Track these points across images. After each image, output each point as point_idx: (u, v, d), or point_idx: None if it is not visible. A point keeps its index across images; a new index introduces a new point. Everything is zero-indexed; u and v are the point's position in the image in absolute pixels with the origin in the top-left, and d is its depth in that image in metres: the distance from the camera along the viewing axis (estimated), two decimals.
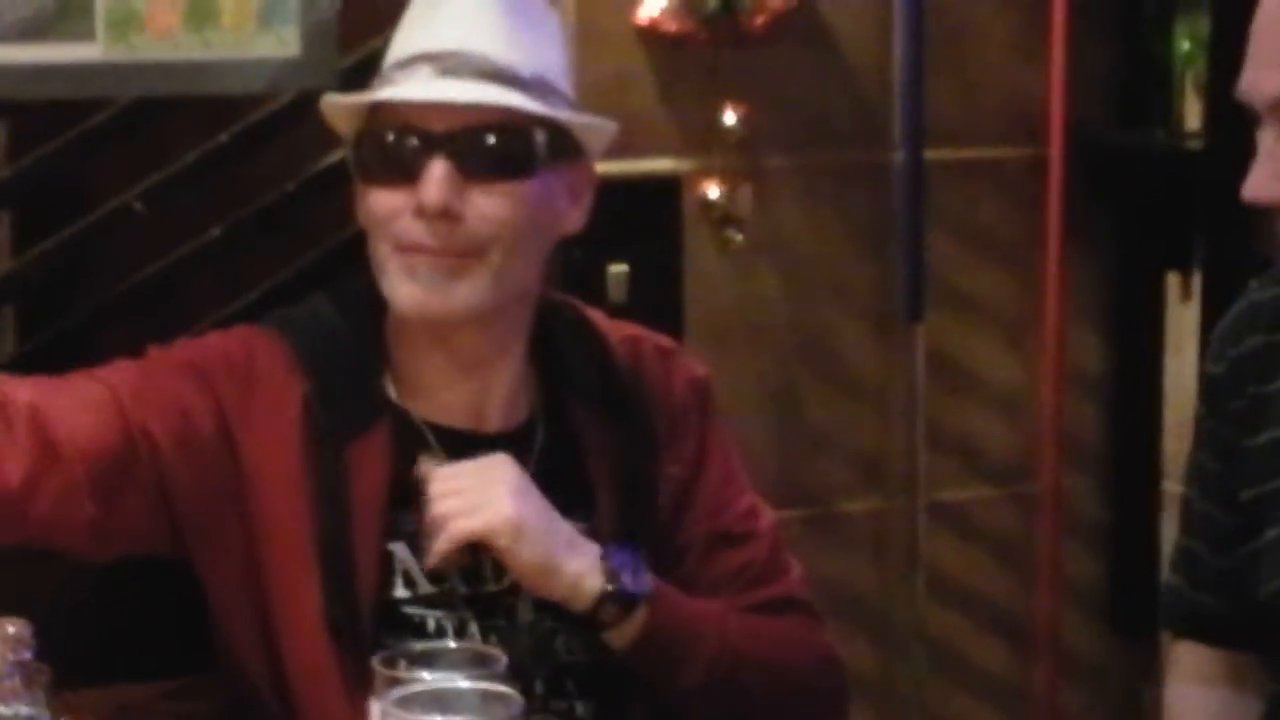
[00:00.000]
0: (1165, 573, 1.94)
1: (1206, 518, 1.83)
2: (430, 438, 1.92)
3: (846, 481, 3.40)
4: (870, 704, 3.41)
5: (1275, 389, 1.75)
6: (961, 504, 3.46)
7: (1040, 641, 3.49)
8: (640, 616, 1.85)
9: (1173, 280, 3.46)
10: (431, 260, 1.85)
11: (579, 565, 1.84)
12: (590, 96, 3.17)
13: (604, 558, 1.86)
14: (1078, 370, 3.51)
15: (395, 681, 1.48)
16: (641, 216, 3.21)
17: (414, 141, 1.85)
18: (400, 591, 1.89)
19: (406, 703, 1.44)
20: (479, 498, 1.83)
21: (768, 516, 2.09)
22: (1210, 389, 1.83)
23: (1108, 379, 3.53)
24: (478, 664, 1.52)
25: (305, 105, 2.44)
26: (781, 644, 1.99)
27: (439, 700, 1.44)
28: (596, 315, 2.09)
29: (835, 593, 3.38)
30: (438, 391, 1.95)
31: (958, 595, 3.47)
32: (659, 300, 3.21)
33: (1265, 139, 1.62)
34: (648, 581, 1.86)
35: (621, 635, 1.85)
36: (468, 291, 1.86)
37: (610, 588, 1.84)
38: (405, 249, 1.86)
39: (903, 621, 3.44)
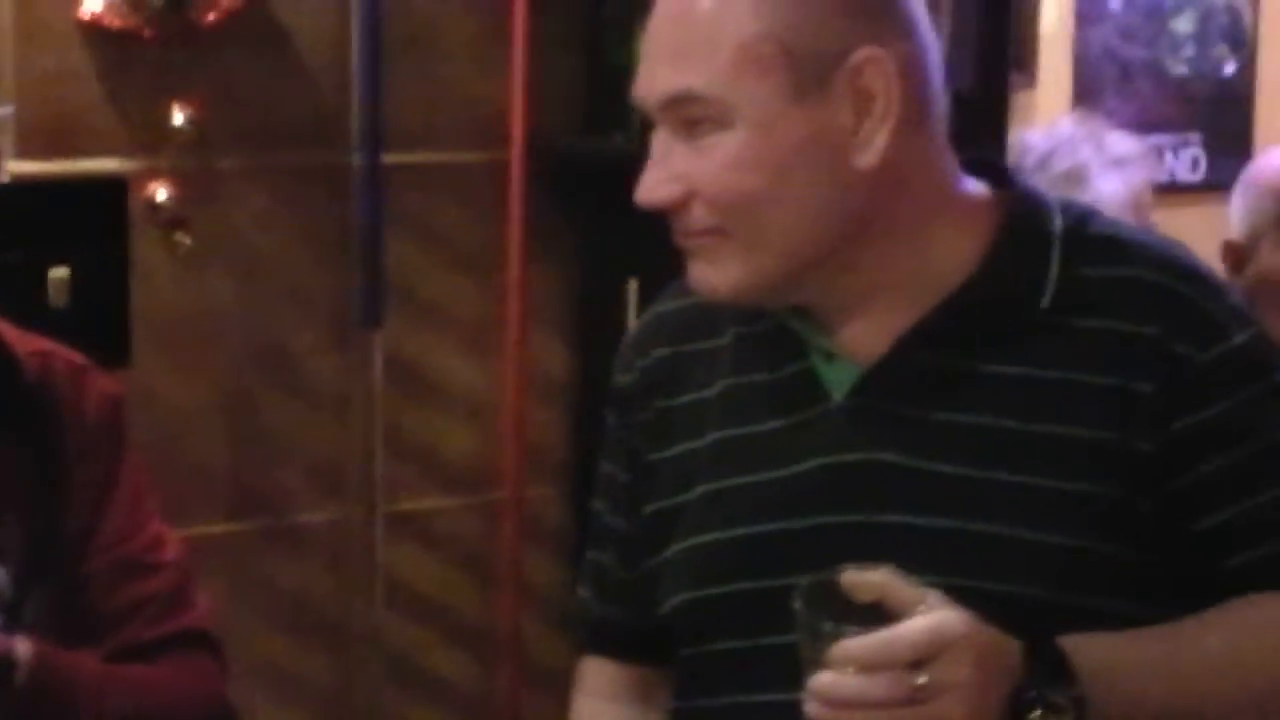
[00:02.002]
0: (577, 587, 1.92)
1: (615, 531, 1.82)
2: None
3: (303, 491, 3.32)
4: (329, 716, 3.35)
5: (683, 402, 1.75)
6: (422, 513, 3.43)
7: (502, 650, 3.48)
8: (17, 682, 1.76)
9: (634, 287, 3.49)
10: None
11: None
12: (30, 94, 3.04)
13: None
14: (541, 377, 3.50)
15: None
16: (85, 218, 3.10)
17: None
18: None
19: None
20: None
21: (175, 547, 2.00)
22: (619, 400, 1.81)
23: (572, 386, 3.53)
24: None
25: None
26: (166, 697, 1.91)
27: None
28: (4, 328, 1.97)
29: (293, 605, 3.31)
30: None
31: (418, 605, 3.43)
32: (103, 305, 3.09)
33: (658, 140, 1.61)
34: (18, 649, 1.77)
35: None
36: None
37: None
38: None
39: (361, 633, 3.38)
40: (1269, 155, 2.94)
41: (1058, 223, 1.65)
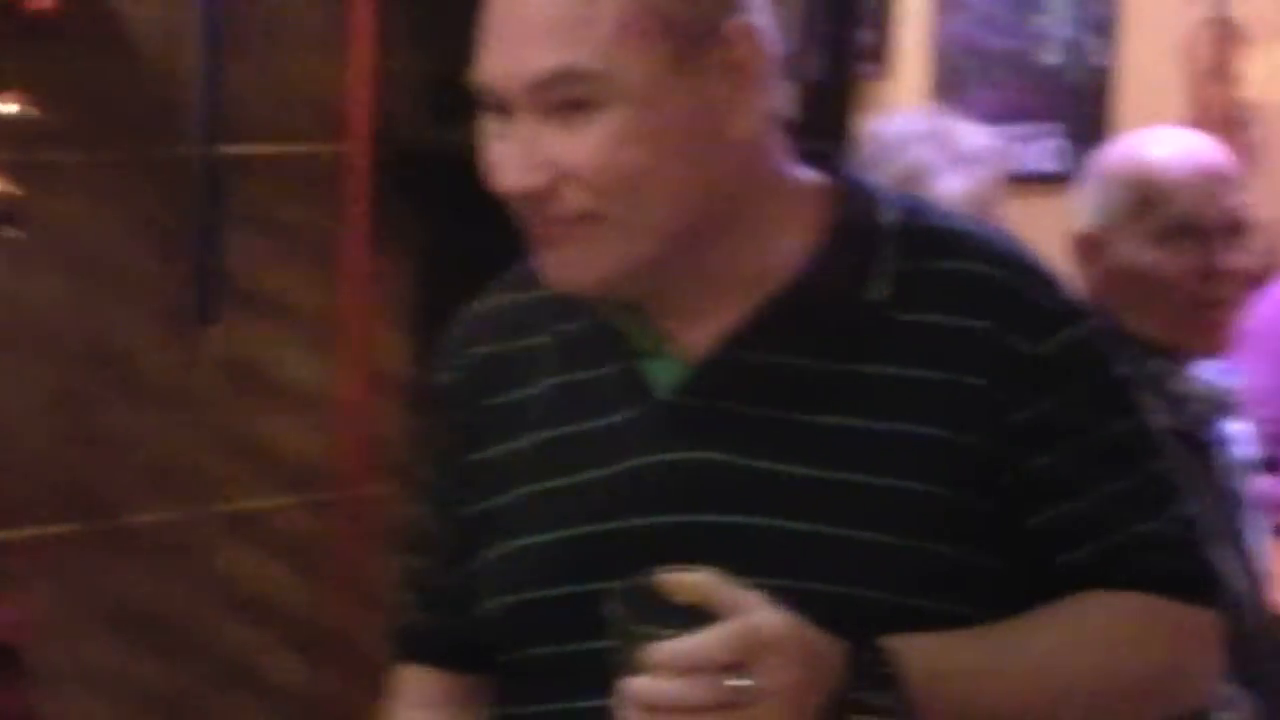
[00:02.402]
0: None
1: (433, 534, 1.78)
2: None
3: (137, 491, 3.26)
4: (162, 719, 3.29)
5: (504, 402, 1.70)
6: (260, 512, 3.37)
7: (338, 652, 3.43)
8: None
9: (478, 281, 3.43)
10: None
11: None
12: None
13: None
14: (384, 373, 3.45)
15: None
16: None
17: None
18: None
19: None
20: None
21: None
22: (438, 400, 1.77)
23: (416, 382, 3.48)
24: None
25: None
26: None
27: None
28: None
29: (125, 607, 3.24)
30: None
31: (254, 607, 3.38)
32: None
33: (518, 124, 1.54)
34: None
35: None
36: None
37: None
38: None
39: (195, 635, 3.32)
40: (1119, 144, 2.91)
41: (890, 216, 1.62)
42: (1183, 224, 2.73)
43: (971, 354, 1.57)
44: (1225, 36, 4.81)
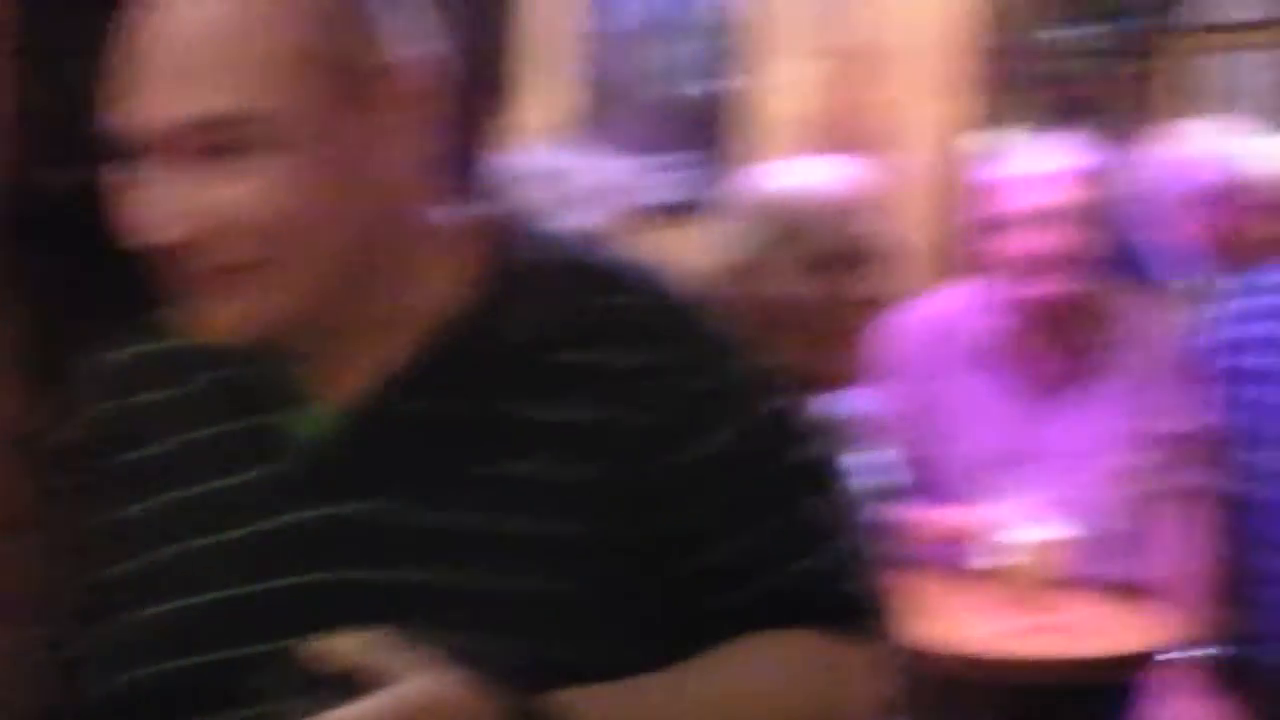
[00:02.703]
0: None
1: (62, 599, 1.65)
2: None
3: None
4: None
5: (134, 458, 1.59)
6: None
7: None
8: None
9: (98, 331, 3.24)
10: None
11: None
12: None
13: None
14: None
15: None
16: None
17: None
18: None
19: None
20: None
21: None
22: (61, 459, 1.67)
23: (30, 436, 3.27)
24: None
25: None
26: None
27: None
28: None
29: None
30: None
31: None
32: None
33: (165, 170, 1.45)
34: None
35: None
36: None
37: None
38: None
39: None
40: (765, 175, 2.89)
41: (550, 253, 1.57)
42: (825, 255, 2.70)
43: (632, 392, 1.52)
44: (855, 69, 4.85)
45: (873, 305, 2.78)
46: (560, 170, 3.12)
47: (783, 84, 4.71)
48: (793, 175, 2.82)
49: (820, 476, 1.60)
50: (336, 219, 1.46)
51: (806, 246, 2.71)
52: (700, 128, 4.62)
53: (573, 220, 2.93)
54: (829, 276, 2.71)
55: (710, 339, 1.57)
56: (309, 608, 1.46)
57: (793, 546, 1.56)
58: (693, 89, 4.59)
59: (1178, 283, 4.17)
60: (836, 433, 2.72)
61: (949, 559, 3.25)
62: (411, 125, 1.49)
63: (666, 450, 1.51)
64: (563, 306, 1.54)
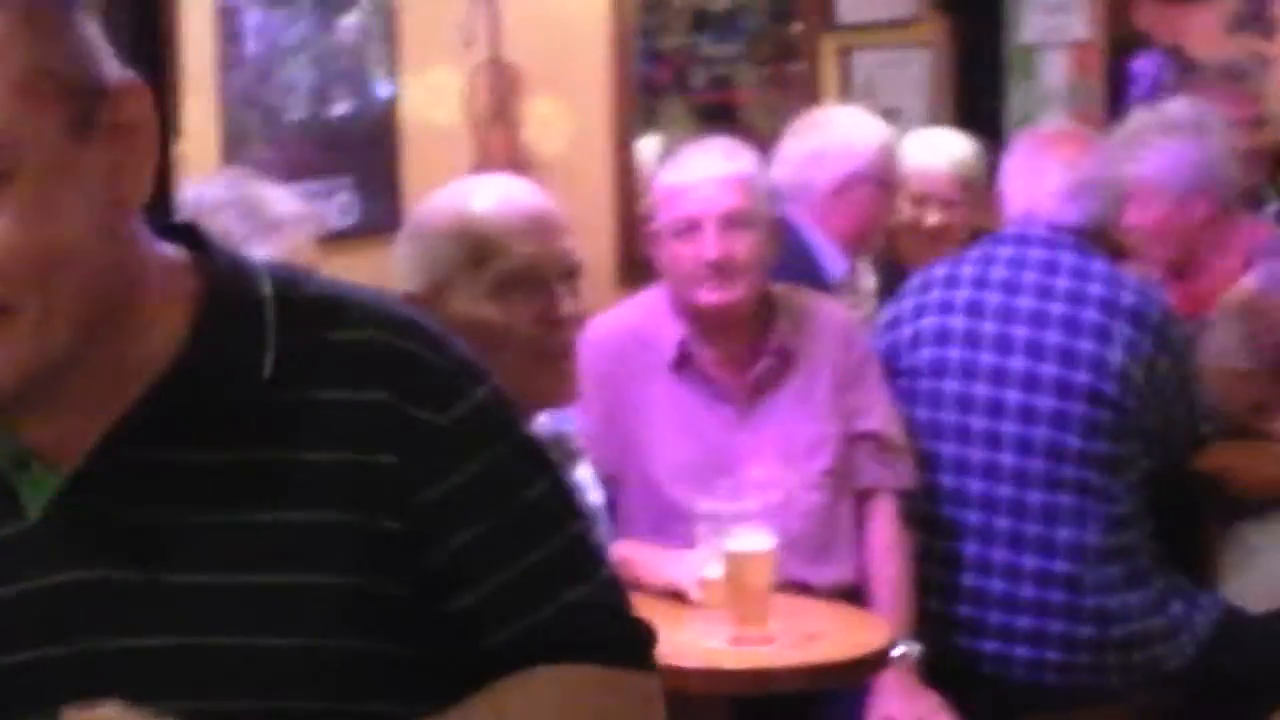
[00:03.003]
0: None
1: None
2: None
3: None
4: None
5: None
6: None
7: None
8: None
9: None
10: None
11: None
12: None
13: None
14: None
15: None
16: None
17: None
18: None
19: None
20: None
21: None
22: None
23: None
24: None
25: None
26: None
27: None
28: None
29: None
30: None
31: None
32: None
33: None
34: None
35: None
36: None
37: None
38: None
39: None
40: (440, 197, 2.77)
41: (265, 288, 1.47)
42: (520, 274, 2.62)
43: (372, 430, 1.43)
44: (503, 81, 4.78)
45: (577, 323, 2.70)
46: (236, 202, 2.99)
47: (431, 98, 4.60)
48: (479, 196, 2.72)
49: (570, 504, 1.54)
50: (82, 257, 1.35)
51: (498, 269, 2.62)
52: (349, 150, 4.48)
53: (264, 251, 2.80)
54: (531, 296, 2.62)
55: (446, 369, 1.49)
56: (57, 683, 1.38)
57: (555, 578, 1.49)
58: (339, 110, 4.45)
59: (842, 277, 4.18)
60: (555, 454, 2.65)
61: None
62: (134, 156, 1.39)
63: (412, 489, 1.43)
64: (289, 343, 1.45)
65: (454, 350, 1.51)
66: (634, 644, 1.54)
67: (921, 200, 4.59)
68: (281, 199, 3.16)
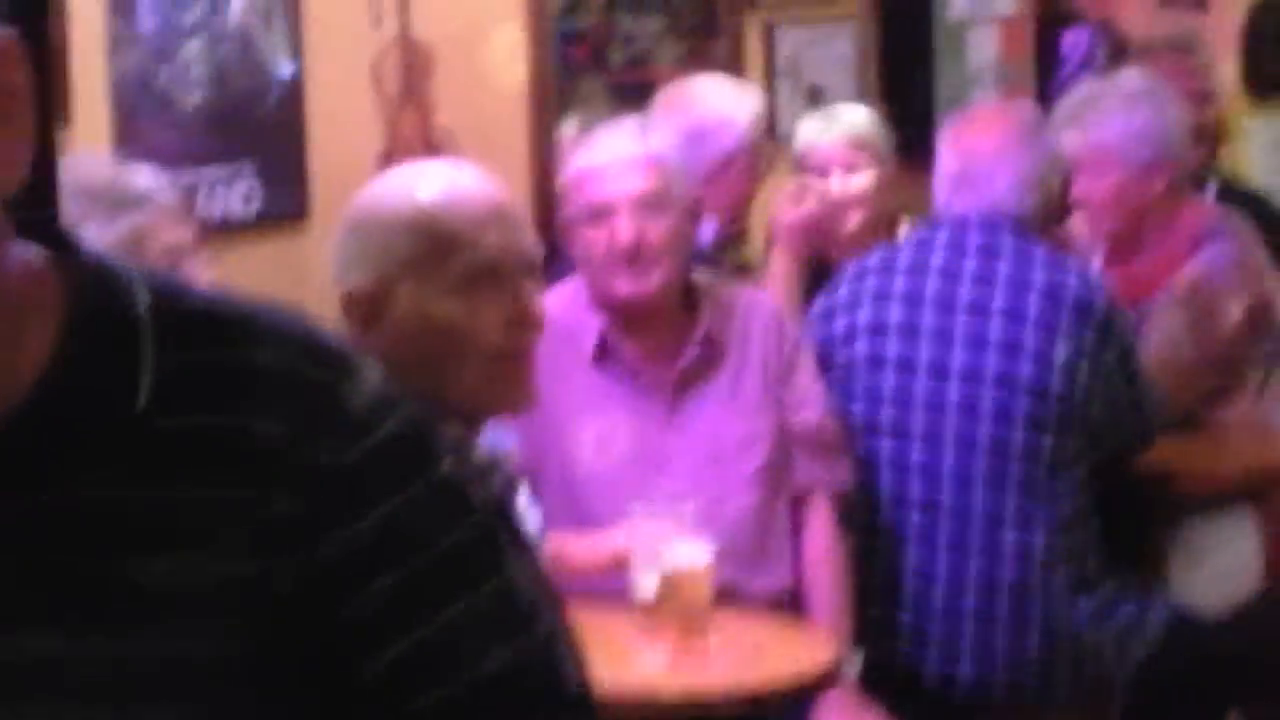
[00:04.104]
0: None
1: None
2: None
3: None
4: None
5: None
6: None
7: None
8: None
9: None
10: None
11: None
12: None
13: None
14: None
15: None
16: None
17: None
18: None
19: None
20: None
21: None
22: None
23: None
24: None
25: None
26: None
27: None
28: None
29: None
30: None
31: None
32: None
33: None
34: None
35: None
36: None
37: None
38: None
39: None
40: (385, 186, 2.53)
41: (144, 299, 1.26)
42: (486, 269, 2.40)
43: (270, 467, 1.23)
44: (414, 61, 4.59)
45: (540, 323, 2.49)
46: (126, 188, 2.75)
47: (337, 79, 4.40)
48: (433, 185, 2.48)
49: (497, 550, 1.33)
50: None
51: (463, 263, 2.40)
52: (251, 133, 4.27)
53: (149, 244, 2.59)
54: (496, 294, 2.41)
55: (355, 400, 1.28)
56: None
57: (480, 638, 1.29)
58: (238, 90, 4.24)
59: (708, 249, 3.98)
60: (498, 475, 2.45)
61: (593, 586, 2.99)
62: (18, 125, 1.20)
63: (311, 537, 1.23)
64: (170, 365, 1.24)
65: (365, 373, 1.29)
66: (575, 702, 1.36)
67: (824, 171, 4.41)
68: (164, 188, 2.91)
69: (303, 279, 3.76)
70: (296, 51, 4.32)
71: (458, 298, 2.40)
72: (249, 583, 1.21)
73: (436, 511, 1.29)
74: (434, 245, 2.40)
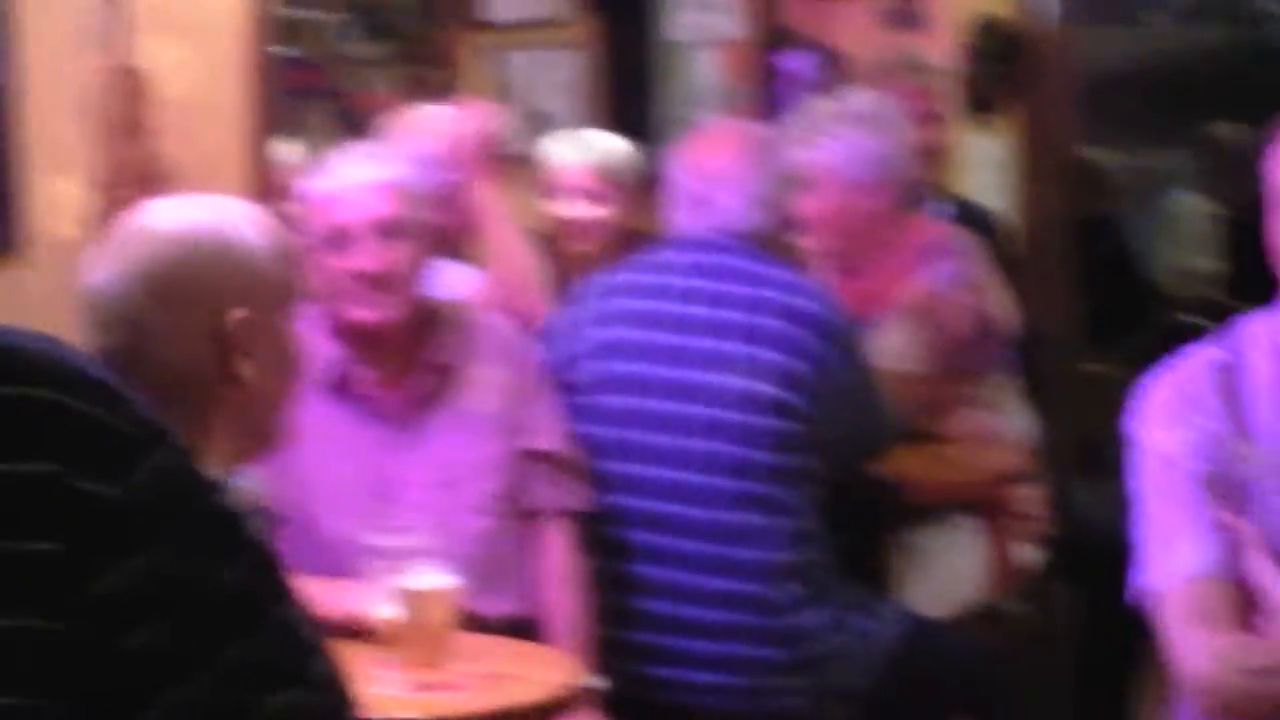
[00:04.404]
0: None
1: None
2: None
3: None
4: None
5: None
6: None
7: None
8: None
9: None
10: None
11: None
12: None
13: None
14: None
15: None
16: None
17: None
18: None
19: None
20: None
21: None
22: None
23: None
24: None
25: None
26: None
27: None
28: None
29: None
30: None
31: None
32: None
33: None
34: None
35: None
36: None
37: None
38: None
39: None
40: (169, 221, 2.32)
41: None
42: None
43: (32, 509, 1.17)
44: (133, 88, 4.47)
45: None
46: None
47: (53, 106, 4.27)
48: (223, 216, 2.32)
49: (273, 584, 1.30)
50: None
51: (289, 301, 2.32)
52: None
53: None
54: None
55: (123, 431, 1.22)
56: None
57: (258, 681, 1.25)
58: None
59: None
60: (260, 516, 2.37)
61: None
62: None
63: (77, 581, 1.18)
64: None
65: (132, 408, 1.24)
66: None
67: (571, 196, 4.40)
68: None
69: (15, 318, 3.61)
70: (8, 76, 4.18)
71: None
72: (7, 637, 1.15)
73: (208, 548, 1.25)
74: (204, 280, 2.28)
